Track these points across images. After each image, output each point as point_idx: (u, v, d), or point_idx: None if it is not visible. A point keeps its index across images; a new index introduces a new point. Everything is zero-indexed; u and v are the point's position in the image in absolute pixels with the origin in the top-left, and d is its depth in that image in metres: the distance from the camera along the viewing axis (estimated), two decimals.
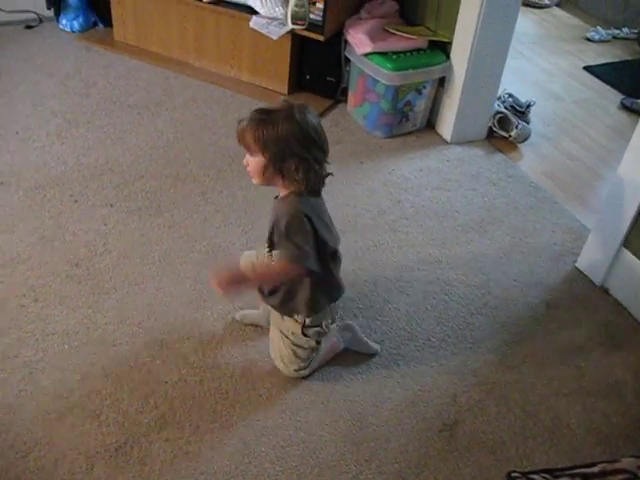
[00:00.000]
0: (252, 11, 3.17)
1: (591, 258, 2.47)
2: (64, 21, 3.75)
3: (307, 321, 1.87)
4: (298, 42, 3.21)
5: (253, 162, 1.68)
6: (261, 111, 1.64)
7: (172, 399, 1.91)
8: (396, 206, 2.72)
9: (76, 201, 2.59)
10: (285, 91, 3.34)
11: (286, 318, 1.90)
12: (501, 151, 3.14)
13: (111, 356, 2.02)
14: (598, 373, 2.12)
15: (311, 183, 1.67)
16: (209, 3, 3.25)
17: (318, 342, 1.94)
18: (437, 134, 3.21)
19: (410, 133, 3.18)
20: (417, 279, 2.39)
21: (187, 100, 3.29)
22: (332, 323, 1.95)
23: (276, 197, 1.79)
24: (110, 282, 2.26)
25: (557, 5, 5.06)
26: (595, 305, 2.37)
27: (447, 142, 3.15)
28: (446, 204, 2.77)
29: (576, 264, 2.52)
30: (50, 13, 3.85)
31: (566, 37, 4.61)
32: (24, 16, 3.83)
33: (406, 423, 1.91)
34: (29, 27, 3.81)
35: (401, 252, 2.50)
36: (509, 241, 2.61)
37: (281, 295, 1.84)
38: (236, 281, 1.74)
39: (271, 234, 1.77)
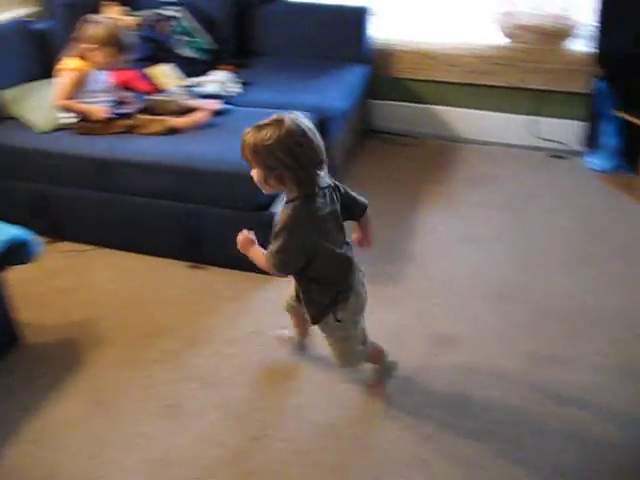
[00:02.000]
0: None
1: None
2: (595, 160, 3.79)
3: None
4: None
5: (255, 173, 1.82)
6: (256, 126, 1.76)
7: None
8: None
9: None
10: None
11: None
12: None
13: None
14: None
15: (305, 189, 1.80)
16: None
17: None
18: None
19: None
20: None
21: None
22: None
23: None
24: None
25: None
26: None
27: None
28: None
29: None
30: (577, 147, 3.94)
31: None
32: (553, 145, 4.01)
33: None
34: (555, 157, 3.96)
35: None
36: None
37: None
38: (245, 245, 1.98)
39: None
